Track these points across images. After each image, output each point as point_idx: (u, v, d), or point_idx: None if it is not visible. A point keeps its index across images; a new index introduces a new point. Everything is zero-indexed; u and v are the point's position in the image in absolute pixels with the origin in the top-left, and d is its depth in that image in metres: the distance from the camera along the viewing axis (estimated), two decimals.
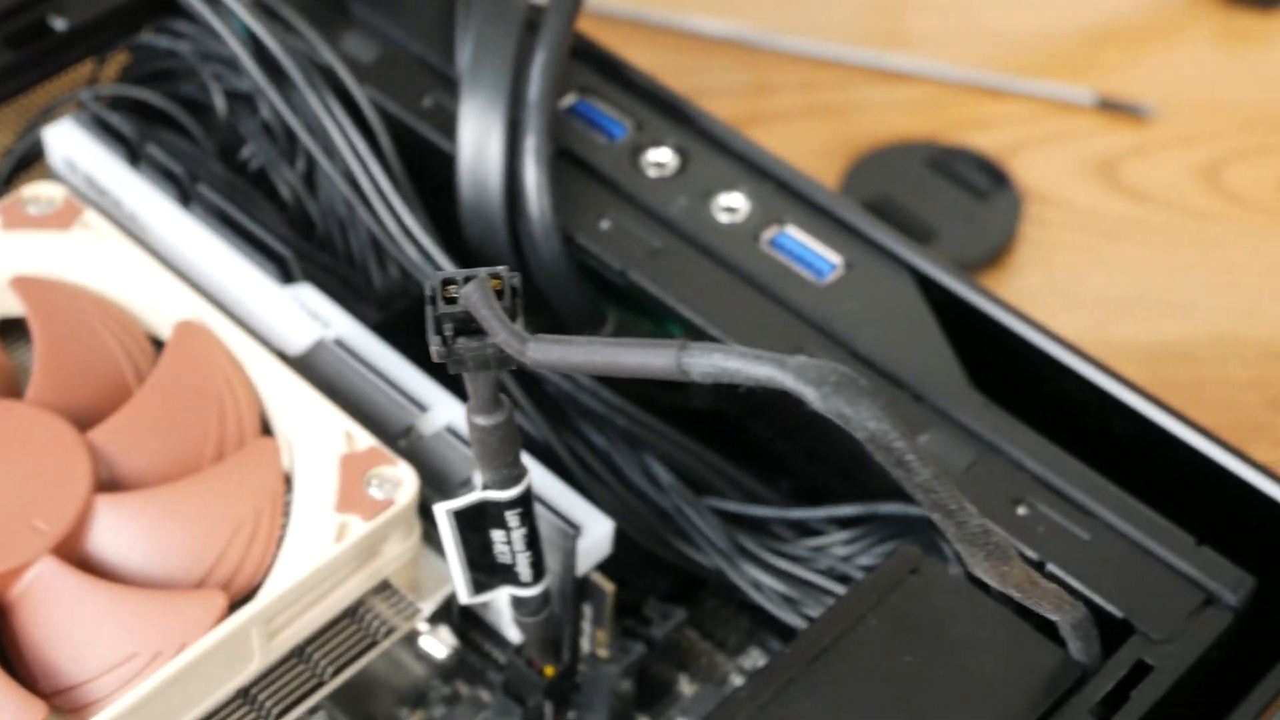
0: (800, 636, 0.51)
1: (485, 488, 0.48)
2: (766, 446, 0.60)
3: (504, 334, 0.41)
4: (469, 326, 0.43)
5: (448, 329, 0.43)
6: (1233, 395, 0.72)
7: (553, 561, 0.53)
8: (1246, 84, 0.83)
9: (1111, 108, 0.81)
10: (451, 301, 0.43)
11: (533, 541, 0.50)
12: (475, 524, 0.49)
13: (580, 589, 0.54)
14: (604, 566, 0.57)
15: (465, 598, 0.51)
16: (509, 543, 0.50)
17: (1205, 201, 0.79)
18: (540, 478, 0.54)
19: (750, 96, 0.81)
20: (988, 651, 0.50)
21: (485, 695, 0.58)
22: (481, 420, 0.46)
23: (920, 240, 0.73)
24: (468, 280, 0.42)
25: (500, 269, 0.43)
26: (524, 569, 0.51)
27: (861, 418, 0.38)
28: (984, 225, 0.75)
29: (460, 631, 0.57)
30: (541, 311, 0.59)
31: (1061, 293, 0.74)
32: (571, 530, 0.52)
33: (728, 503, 0.58)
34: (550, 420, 0.58)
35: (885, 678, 0.50)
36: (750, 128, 0.78)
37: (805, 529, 0.58)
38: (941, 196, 0.75)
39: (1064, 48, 0.84)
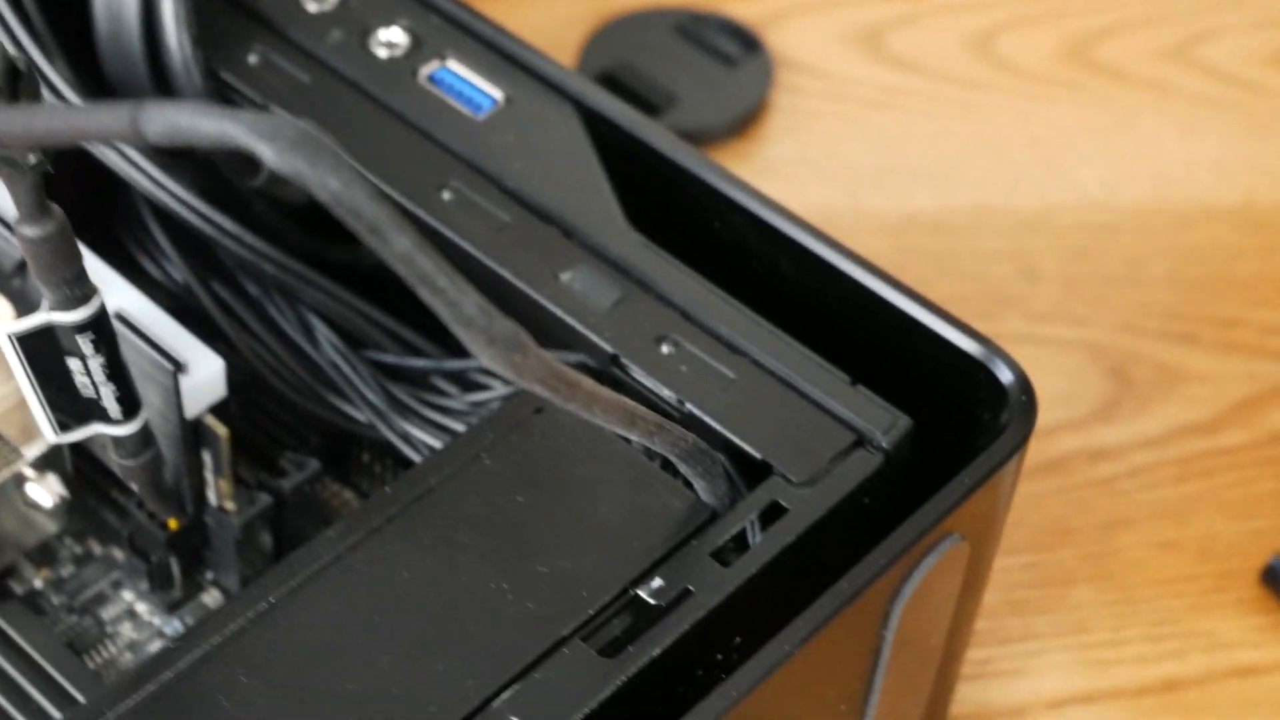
0: (403, 476, 0.47)
1: (51, 309, 0.45)
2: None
3: None
4: None
5: None
6: (986, 266, 0.68)
7: (158, 401, 0.49)
8: None
9: None
10: None
11: (116, 372, 0.46)
12: (47, 351, 0.45)
13: (195, 434, 0.50)
14: (251, 421, 0.54)
15: (52, 436, 0.47)
16: (88, 373, 0.46)
17: (975, 71, 0.75)
18: (143, 310, 0.50)
19: None
20: (610, 494, 0.47)
21: (119, 555, 0.54)
22: (27, 230, 0.43)
23: (658, 108, 0.69)
24: None
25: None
26: (111, 404, 0.47)
27: (323, 177, 0.34)
28: (731, 93, 0.71)
29: (93, 485, 0.53)
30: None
31: (811, 162, 0.71)
32: (170, 366, 0.49)
33: (385, 355, 0.54)
34: (198, 267, 0.55)
35: (492, 520, 0.46)
36: None
37: (470, 384, 0.54)
38: (686, 63, 0.71)
39: None
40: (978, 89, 0.74)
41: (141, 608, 0.53)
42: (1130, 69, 0.75)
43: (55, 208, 0.43)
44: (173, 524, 0.52)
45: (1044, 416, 0.65)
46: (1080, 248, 0.69)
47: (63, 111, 0.36)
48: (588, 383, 0.38)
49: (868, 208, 0.69)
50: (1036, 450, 0.64)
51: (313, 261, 0.55)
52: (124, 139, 0.35)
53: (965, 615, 0.52)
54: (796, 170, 0.70)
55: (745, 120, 0.71)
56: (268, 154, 0.34)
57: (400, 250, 0.34)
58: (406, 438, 0.53)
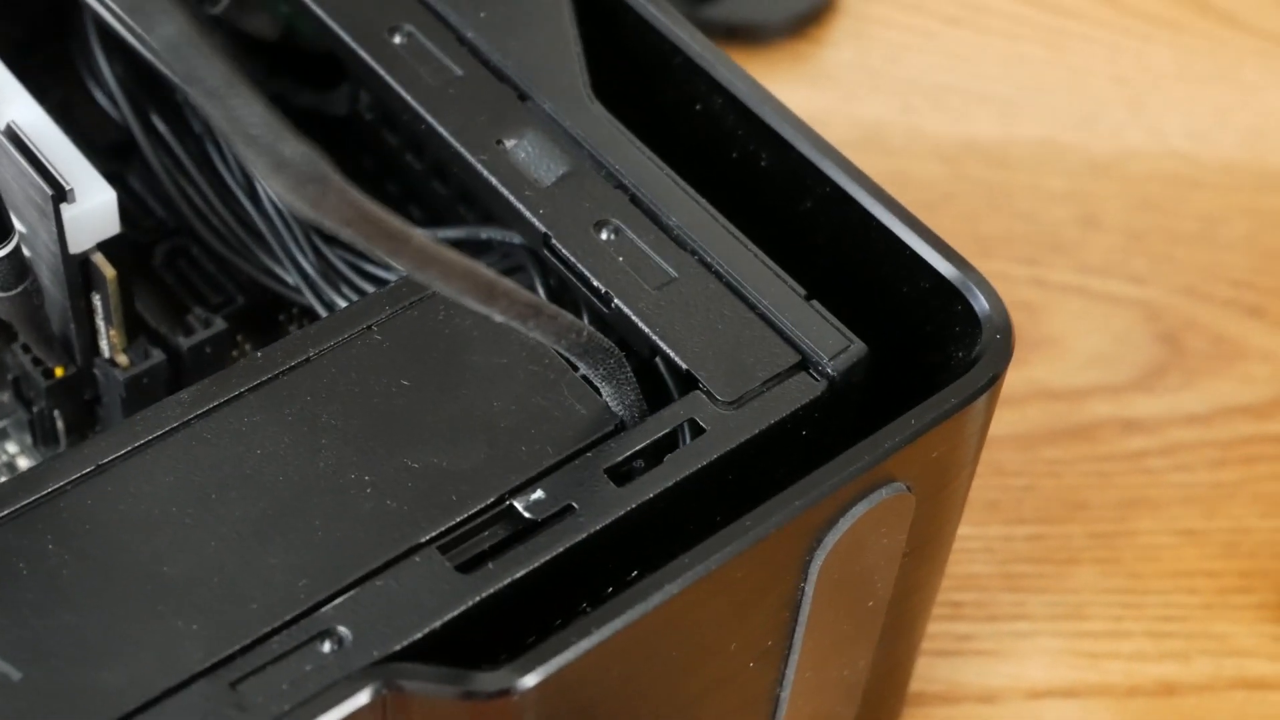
0: (278, 343, 0.42)
1: None
2: (398, 165, 0.51)
3: None
4: None
5: None
6: (1041, 208, 0.62)
7: (45, 233, 0.44)
8: None
9: None
10: None
11: None
12: None
13: (84, 274, 0.45)
14: (176, 272, 0.49)
15: None
16: None
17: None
18: (39, 128, 0.45)
19: None
20: (508, 390, 0.41)
21: (7, 398, 0.49)
22: None
23: None
24: None
25: None
26: None
27: None
28: None
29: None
30: None
31: (870, 71, 0.64)
32: (50, 190, 0.43)
33: None
34: (140, 95, 0.50)
35: (368, 402, 0.41)
36: None
37: None
38: None
39: None
40: (1068, 16, 0.67)
41: (24, 463, 0.49)
42: (1241, 14, 0.68)
43: None
44: (58, 372, 0.47)
45: (1079, 377, 0.59)
46: (1150, 199, 0.62)
47: None
48: (420, 237, 0.32)
49: (923, 128, 0.63)
50: (1063, 413, 0.58)
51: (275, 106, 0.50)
52: None
53: (918, 580, 0.46)
54: (852, 78, 0.64)
55: (806, 19, 0.64)
56: None
57: (165, 38, 0.29)
58: (332, 309, 0.48)
